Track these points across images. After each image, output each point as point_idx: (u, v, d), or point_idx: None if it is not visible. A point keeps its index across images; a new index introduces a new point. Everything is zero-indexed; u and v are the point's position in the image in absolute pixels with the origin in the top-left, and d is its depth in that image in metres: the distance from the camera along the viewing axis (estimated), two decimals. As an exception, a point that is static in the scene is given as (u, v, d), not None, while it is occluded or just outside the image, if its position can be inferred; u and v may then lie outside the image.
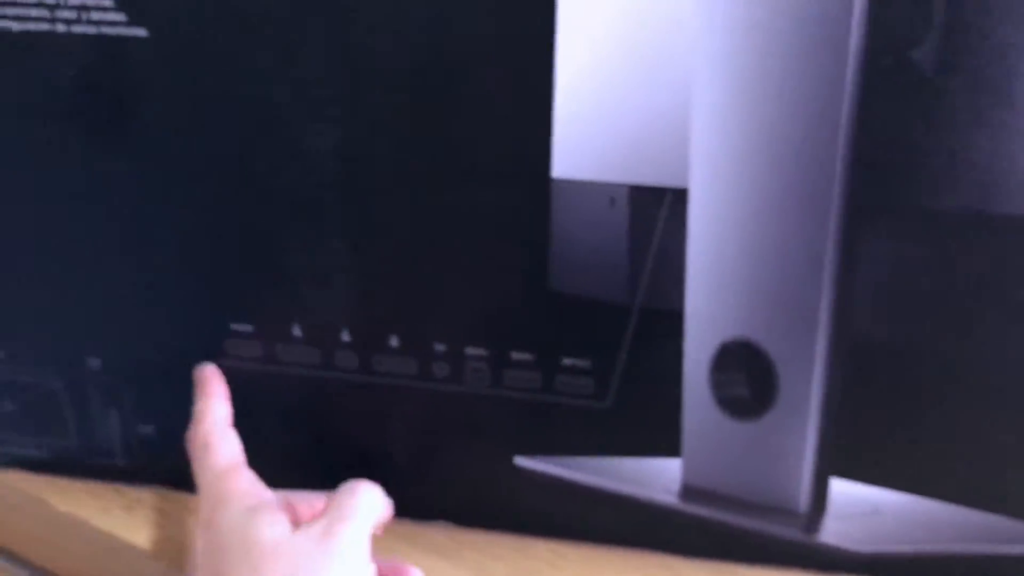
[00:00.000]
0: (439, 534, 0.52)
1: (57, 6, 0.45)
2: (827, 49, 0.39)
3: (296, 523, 0.43)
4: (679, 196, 0.43)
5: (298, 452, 0.52)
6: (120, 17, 0.44)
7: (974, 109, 0.39)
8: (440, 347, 0.49)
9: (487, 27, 0.42)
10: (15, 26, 0.45)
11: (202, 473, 0.45)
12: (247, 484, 0.44)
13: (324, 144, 0.45)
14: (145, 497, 0.55)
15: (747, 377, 0.46)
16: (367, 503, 0.44)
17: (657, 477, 0.50)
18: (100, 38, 0.45)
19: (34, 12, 0.45)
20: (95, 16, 0.44)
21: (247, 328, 0.50)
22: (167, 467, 0.54)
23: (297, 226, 0.47)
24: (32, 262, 0.51)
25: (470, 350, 0.48)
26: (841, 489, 0.47)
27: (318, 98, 0.44)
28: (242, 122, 0.45)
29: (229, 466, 0.45)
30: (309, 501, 0.45)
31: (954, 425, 0.45)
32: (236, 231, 0.48)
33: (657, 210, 0.44)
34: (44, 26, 0.45)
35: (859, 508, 0.48)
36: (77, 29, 0.45)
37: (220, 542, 0.42)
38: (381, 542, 0.45)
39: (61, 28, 0.45)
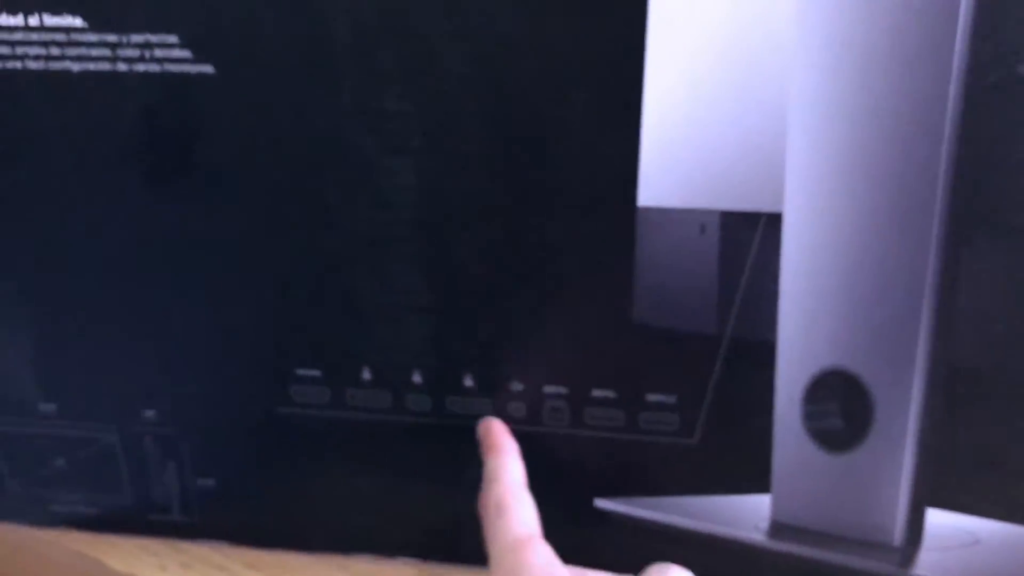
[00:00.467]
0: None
1: (119, 44, 0.43)
2: (929, 66, 0.38)
3: None
4: (773, 221, 0.42)
5: (369, 500, 0.50)
6: (185, 54, 0.43)
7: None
8: (517, 386, 0.47)
9: (573, 52, 0.40)
10: (75, 67, 0.44)
11: (495, 539, 0.41)
12: (544, 559, 0.40)
13: (400, 180, 0.44)
14: (204, 553, 0.53)
15: (841, 407, 0.44)
16: None
17: (745, 515, 0.48)
18: (165, 76, 0.43)
19: (95, 52, 0.43)
20: (159, 54, 0.43)
21: (315, 373, 0.48)
22: (228, 522, 0.52)
23: (370, 265, 0.46)
24: (85, 308, 0.49)
25: (549, 388, 0.47)
26: (938, 520, 0.46)
27: (395, 132, 0.43)
28: (314, 160, 0.44)
29: (525, 536, 0.41)
30: None
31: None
32: (305, 272, 0.46)
33: (750, 236, 0.42)
34: (105, 66, 0.43)
35: (957, 539, 0.46)
36: (140, 68, 0.43)
37: None
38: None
39: (123, 67, 0.43)
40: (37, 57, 0.44)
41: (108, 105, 0.44)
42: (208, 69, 0.43)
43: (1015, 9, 0.37)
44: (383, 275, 0.46)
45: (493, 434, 0.46)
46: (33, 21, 0.43)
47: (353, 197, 0.44)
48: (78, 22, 0.43)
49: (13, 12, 0.43)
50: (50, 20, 0.43)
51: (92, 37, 0.43)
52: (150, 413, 0.51)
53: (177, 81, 0.43)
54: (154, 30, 0.42)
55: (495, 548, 0.41)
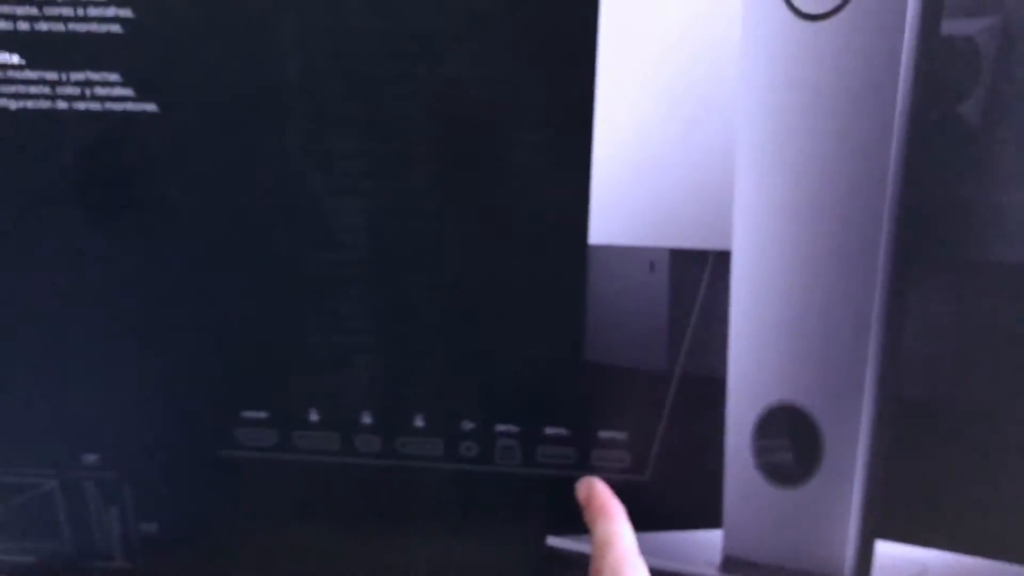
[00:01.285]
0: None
1: (58, 83, 0.42)
2: (874, 105, 0.39)
3: None
4: (722, 259, 0.42)
5: (317, 544, 0.49)
6: (127, 92, 0.42)
7: (1022, 161, 0.39)
8: (468, 425, 0.46)
9: (522, 92, 0.40)
10: (12, 104, 0.43)
11: None
12: None
13: (349, 220, 0.43)
14: (148, 600, 0.51)
15: (791, 442, 0.45)
16: None
17: (698, 550, 0.48)
18: (106, 115, 0.42)
19: (33, 89, 0.42)
20: (100, 92, 0.42)
21: (261, 415, 0.47)
22: (172, 567, 0.51)
23: (317, 306, 0.45)
24: (21, 349, 0.47)
25: (500, 427, 0.46)
26: (887, 551, 0.46)
27: (343, 173, 0.42)
28: (260, 200, 0.43)
29: None
30: None
31: (1001, 483, 0.44)
32: (250, 314, 0.45)
33: (699, 274, 0.42)
34: (44, 104, 0.42)
35: (906, 571, 0.47)
36: (80, 106, 0.42)
37: None
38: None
39: (63, 105, 0.42)
40: (-28, 95, 0.42)
41: (47, 144, 0.43)
42: (152, 107, 0.42)
43: (955, 51, 0.38)
44: (331, 315, 0.45)
45: (600, 496, 0.45)
46: (-31, 59, 0.42)
47: (300, 238, 0.44)
48: (15, 59, 0.42)
49: (-53, 49, 0.42)
50: (-14, 58, 0.42)
51: (31, 75, 0.42)
52: (91, 458, 0.49)
53: (119, 120, 0.42)
54: (95, 68, 0.41)
55: None
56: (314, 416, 0.47)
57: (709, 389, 0.45)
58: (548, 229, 0.42)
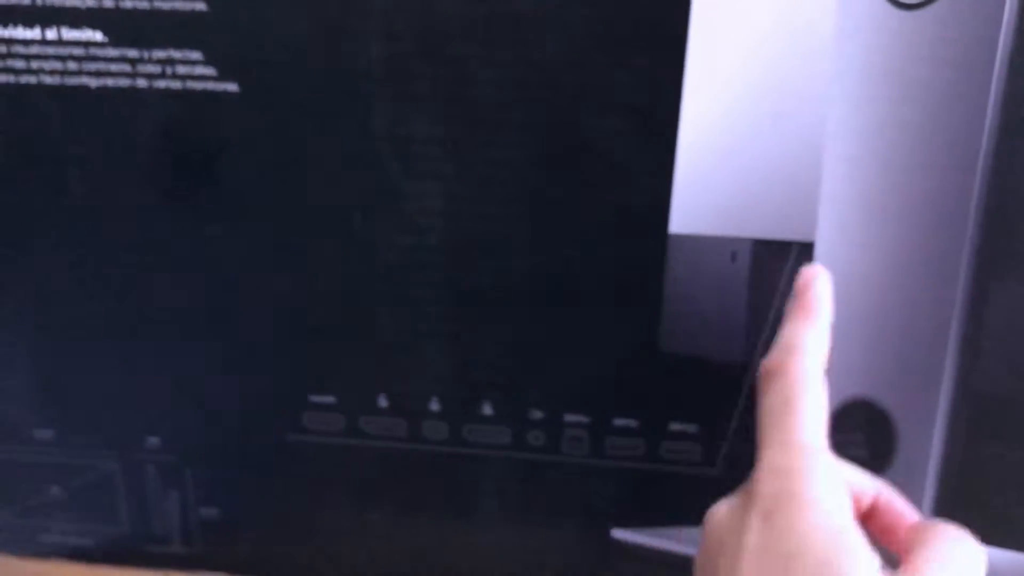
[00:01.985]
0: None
1: (140, 60, 0.42)
2: (966, 98, 0.38)
3: None
4: (804, 250, 0.42)
5: (383, 529, 0.49)
6: (210, 71, 0.42)
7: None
8: (537, 414, 0.46)
9: (608, 79, 0.40)
10: (92, 82, 0.42)
11: (769, 440, 0.34)
12: (816, 494, 0.32)
13: (428, 205, 0.43)
14: (206, 586, 0.51)
15: (866, 437, 0.44)
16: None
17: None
18: (187, 93, 0.42)
19: (114, 67, 0.42)
20: (181, 70, 0.42)
21: (328, 400, 0.47)
22: (232, 553, 0.50)
23: (390, 290, 0.45)
24: (88, 332, 0.47)
25: (569, 417, 0.46)
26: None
27: (424, 157, 0.42)
28: (339, 183, 0.43)
29: (809, 447, 0.34)
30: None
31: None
32: (322, 296, 0.45)
33: (781, 265, 0.42)
34: (125, 82, 0.42)
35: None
36: (160, 84, 0.42)
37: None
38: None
39: (143, 83, 0.42)
40: (53, 72, 0.42)
41: (127, 122, 0.43)
42: (233, 87, 0.42)
43: (1053, 43, 0.37)
44: (403, 300, 0.45)
45: (811, 295, 0.37)
46: (51, 35, 0.42)
47: (377, 221, 0.43)
48: (98, 36, 0.42)
49: (30, 25, 0.42)
50: (69, 34, 0.42)
51: (112, 52, 0.42)
52: (153, 440, 0.49)
53: (200, 99, 0.42)
54: (177, 46, 0.41)
55: (767, 453, 0.34)
56: (382, 402, 0.47)
57: (784, 382, 0.44)
58: (629, 217, 0.42)
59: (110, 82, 0.42)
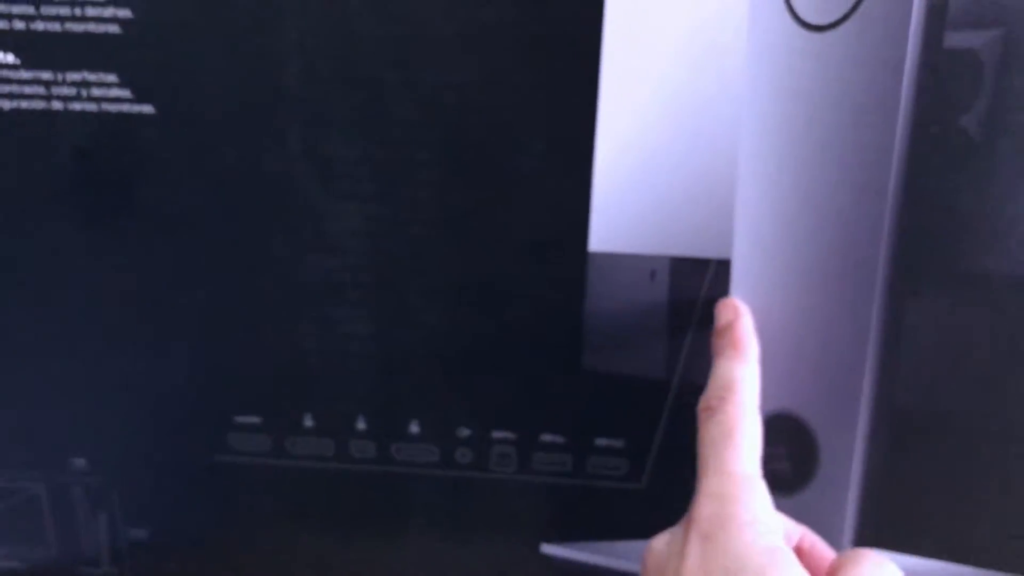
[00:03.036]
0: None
1: (54, 83, 0.41)
2: (876, 116, 0.39)
3: None
4: (722, 267, 0.42)
5: (313, 549, 0.49)
6: (125, 93, 0.41)
7: (1022, 173, 0.39)
8: (464, 432, 0.46)
9: (525, 99, 0.40)
10: (6, 104, 0.42)
11: (709, 469, 0.36)
12: (752, 516, 0.35)
13: (348, 225, 0.43)
14: (135, 607, 0.51)
15: (788, 450, 0.45)
16: None
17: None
18: (101, 116, 0.42)
19: (28, 89, 0.42)
20: (96, 92, 0.41)
21: (254, 420, 0.47)
22: (160, 574, 0.50)
23: (314, 311, 0.45)
24: (11, 350, 0.47)
25: (497, 434, 0.46)
26: (880, 561, 0.46)
27: (344, 178, 0.42)
28: (258, 203, 0.43)
29: (743, 476, 0.36)
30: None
31: (994, 493, 0.44)
32: (246, 317, 0.45)
33: (699, 282, 0.42)
34: (39, 104, 0.42)
35: (899, 580, 0.47)
36: (76, 106, 0.42)
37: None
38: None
39: (58, 105, 0.42)
40: (-35, 94, 0.42)
41: (41, 144, 0.42)
42: (148, 109, 0.42)
43: (958, 64, 0.38)
44: (327, 320, 0.45)
45: (739, 332, 0.40)
46: (-39, 57, 0.41)
47: (296, 242, 0.43)
48: (10, 59, 0.41)
49: (-61, 47, 0.41)
50: (-20, 56, 0.41)
51: (26, 75, 0.41)
52: (79, 461, 0.49)
53: (115, 121, 0.42)
54: (92, 68, 0.41)
55: (707, 481, 0.36)
56: (308, 422, 0.47)
57: (706, 397, 0.44)
58: (549, 235, 0.42)
59: (24, 104, 0.42)
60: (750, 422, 0.37)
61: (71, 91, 0.42)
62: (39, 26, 0.41)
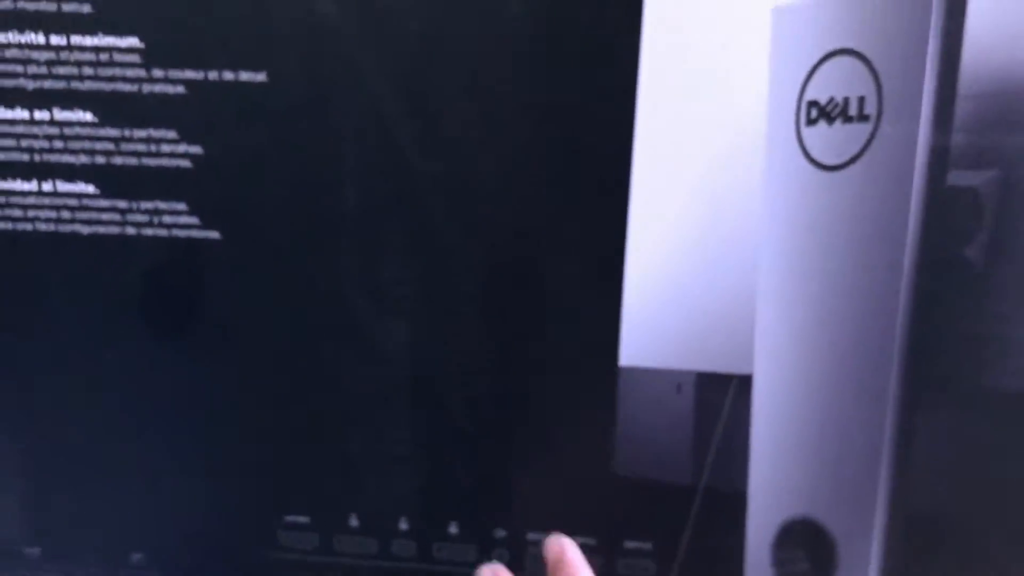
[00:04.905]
0: None
1: (129, 210, 0.45)
2: (885, 248, 0.42)
3: None
4: (744, 382, 0.45)
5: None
6: (193, 220, 0.45)
7: (1020, 298, 0.42)
8: (500, 533, 0.49)
9: (561, 223, 0.44)
10: (85, 229, 0.46)
11: None
12: None
13: (396, 339, 0.46)
14: None
15: (808, 554, 0.47)
16: None
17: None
18: (172, 241, 0.46)
19: (105, 216, 0.46)
20: (167, 219, 0.45)
21: (303, 519, 0.50)
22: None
23: (361, 417, 0.48)
24: (79, 454, 0.50)
25: (531, 535, 0.49)
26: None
27: (393, 296, 0.45)
28: (312, 320, 0.46)
29: None
30: None
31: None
32: (298, 424, 0.48)
33: (723, 396, 0.45)
34: (114, 229, 0.46)
35: None
36: (148, 232, 0.46)
37: None
38: None
39: (131, 231, 0.46)
40: (48, 220, 0.46)
41: (114, 266, 0.46)
42: (214, 235, 0.45)
43: (960, 199, 0.41)
44: (373, 426, 0.48)
45: (572, 564, 0.43)
46: (47, 187, 0.45)
47: (348, 355, 0.47)
48: (90, 189, 0.45)
49: (27, 179, 0.45)
50: (64, 187, 0.45)
51: (103, 203, 0.45)
52: (137, 556, 0.51)
53: (184, 246, 0.46)
54: (164, 198, 0.45)
55: None
56: (354, 521, 0.49)
57: (731, 503, 0.47)
58: (583, 351, 0.45)
59: (101, 229, 0.46)
60: None
61: (144, 218, 0.45)
62: (118, 160, 0.44)
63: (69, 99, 0.44)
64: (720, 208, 0.43)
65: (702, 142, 0.42)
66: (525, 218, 0.44)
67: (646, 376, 0.46)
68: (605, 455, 0.47)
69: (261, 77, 0.43)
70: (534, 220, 0.44)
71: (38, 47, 0.43)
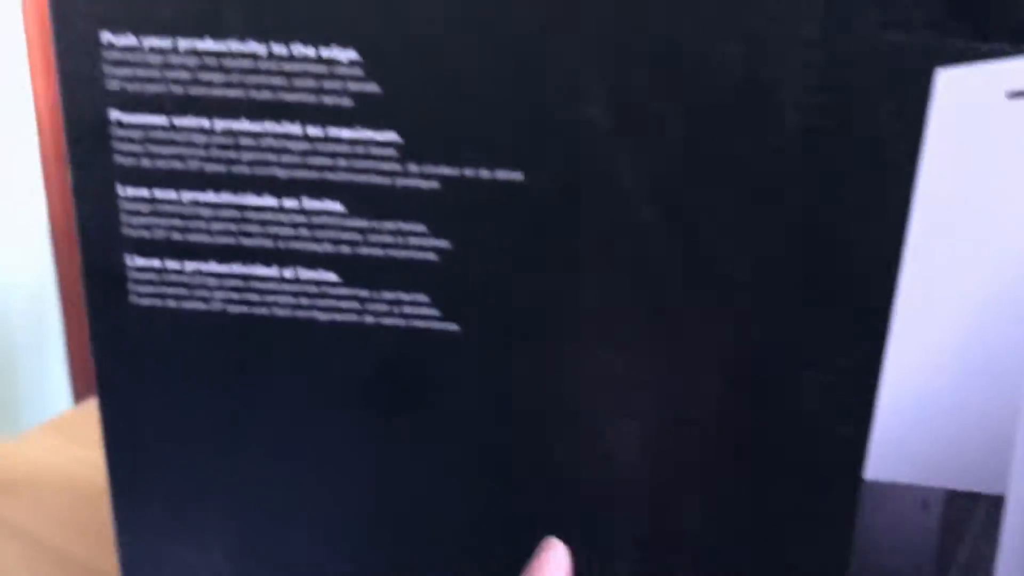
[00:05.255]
0: None
1: (369, 299, 0.45)
2: None
3: None
4: (995, 503, 0.43)
5: None
6: (433, 312, 0.45)
7: None
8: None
9: (812, 330, 0.43)
10: (322, 316, 0.46)
11: None
12: None
13: (625, 440, 0.45)
14: None
15: None
16: None
17: None
18: (409, 331, 0.45)
19: (344, 304, 0.46)
20: (407, 311, 0.45)
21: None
22: None
23: (583, 520, 0.47)
24: (300, 545, 0.50)
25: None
26: None
27: (623, 396, 0.45)
28: (541, 418, 0.46)
29: None
30: None
31: None
32: (520, 527, 0.47)
33: (970, 516, 0.44)
34: (352, 317, 0.46)
35: None
36: (386, 322, 0.46)
37: None
38: None
39: (369, 320, 0.46)
40: (286, 306, 0.46)
41: (349, 355, 0.46)
42: (453, 327, 0.45)
43: None
44: (597, 528, 0.47)
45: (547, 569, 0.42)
46: (288, 274, 0.46)
47: (575, 457, 0.46)
48: (332, 277, 0.45)
49: (268, 264, 0.46)
50: (305, 274, 0.45)
51: (344, 291, 0.45)
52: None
53: (420, 336, 0.45)
54: (406, 289, 0.45)
55: None
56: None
57: (967, 624, 0.45)
58: (826, 461, 0.44)
59: (338, 317, 0.46)
60: None
61: (384, 308, 0.45)
62: (363, 251, 0.45)
63: (320, 189, 0.44)
64: (986, 319, 0.42)
65: (975, 244, 0.41)
66: (769, 322, 0.43)
67: (891, 491, 0.44)
68: (841, 572, 0.45)
69: (517, 176, 0.43)
70: (785, 325, 0.43)
71: (294, 137, 0.44)
